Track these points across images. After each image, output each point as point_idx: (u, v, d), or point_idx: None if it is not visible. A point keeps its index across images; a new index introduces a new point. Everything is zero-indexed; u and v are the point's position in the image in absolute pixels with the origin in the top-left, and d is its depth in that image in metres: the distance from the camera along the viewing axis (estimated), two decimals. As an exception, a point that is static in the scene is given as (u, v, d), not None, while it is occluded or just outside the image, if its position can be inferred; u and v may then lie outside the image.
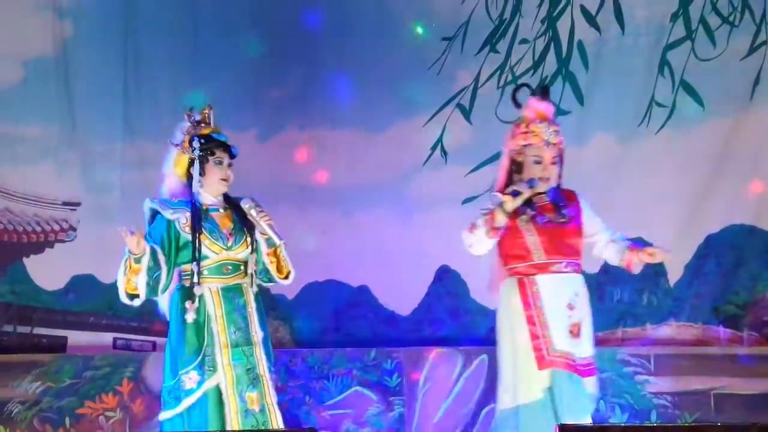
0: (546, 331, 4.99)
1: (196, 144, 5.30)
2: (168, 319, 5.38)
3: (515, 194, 4.99)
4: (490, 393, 6.74)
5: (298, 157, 7.18)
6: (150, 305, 6.93)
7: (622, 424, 6.20)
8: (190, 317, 5.20)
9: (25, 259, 7.19)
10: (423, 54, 7.20)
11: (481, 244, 5.09)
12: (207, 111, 5.41)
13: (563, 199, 5.17)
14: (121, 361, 6.93)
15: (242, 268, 5.32)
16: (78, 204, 7.21)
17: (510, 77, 7.21)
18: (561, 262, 5.06)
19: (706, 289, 7.12)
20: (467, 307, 7.07)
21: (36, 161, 7.20)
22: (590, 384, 5.22)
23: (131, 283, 5.24)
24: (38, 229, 7.20)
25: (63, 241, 7.20)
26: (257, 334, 5.30)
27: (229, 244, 5.28)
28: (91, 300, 7.15)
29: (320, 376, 6.87)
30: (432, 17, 7.22)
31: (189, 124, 5.38)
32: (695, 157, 7.16)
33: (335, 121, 7.18)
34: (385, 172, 7.17)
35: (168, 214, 5.28)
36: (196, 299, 5.21)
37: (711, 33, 7.14)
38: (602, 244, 5.23)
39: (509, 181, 5.19)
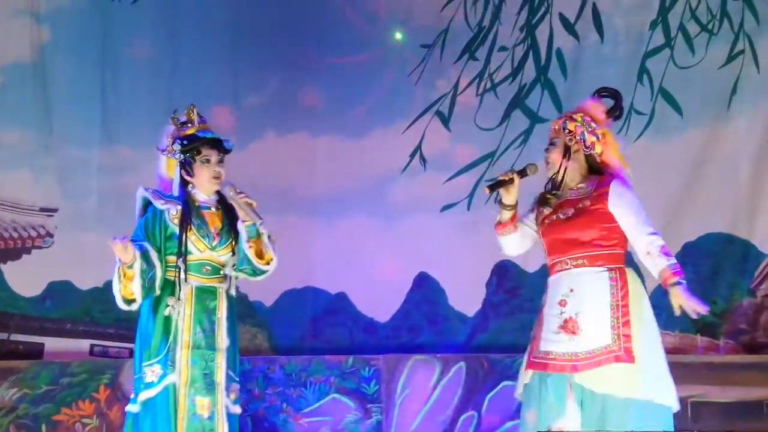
0: (539, 333, 4.91)
1: (177, 147, 5.27)
2: None
3: (495, 185, 4.94)
4: (467, 400, 6.82)
5: (277, 164, 7.21)
6: (126, 313, 7.04)
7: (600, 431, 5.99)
8: (168, 311, 5.19)
9: (2, 266, 7.24)
10: (402, 61, 7.26)
11: (502, 243, 5.09)
12: (192, 110, 5.36)
13: (590, 188, 4.91)
14: (98, 368, 6.94)
15: (221, 272, 5.30)
16: (55, 210, 7.26)
17: (489, 84, 7.27)
18: (564, 260, 4.91)
19: None
20: (445, 314, 7.11)
21: (13, 167, 7.26)
22: (592, 380, 4.74)
23: (128, 289, 5.16)
24: (15, 235, 7.24)
25: (40, 248, 7.25)
26: (223, 340, 5.23)
27: (214, 244, 5.25)
28: (68, 306, 7.20)
29: (298, 383, 6.86)
30: (411, 24, 7.27)
31: (174, 126, 5.35)
32: (673, 165, 7.16)
33: (314, 127, 7.23)
34: (364, 178, 7.22)
35: (159, 204, 5.25)
36: (181, 296, 5.17)
37: (690, 41, 7.17)
38: (638, 249, 4.89)
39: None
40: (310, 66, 7.25)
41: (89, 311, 7.18)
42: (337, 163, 7.20)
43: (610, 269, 4.83)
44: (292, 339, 7.09)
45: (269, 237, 5.28)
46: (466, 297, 7.11)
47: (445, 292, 7.11)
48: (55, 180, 7.26)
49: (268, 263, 5.29)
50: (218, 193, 5.32)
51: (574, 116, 5.01)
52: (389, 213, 7.20)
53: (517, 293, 7.19)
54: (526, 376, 4.88)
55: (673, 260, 4.82)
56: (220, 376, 5.19)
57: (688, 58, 7.18)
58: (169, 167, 5.36)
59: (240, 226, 5.23)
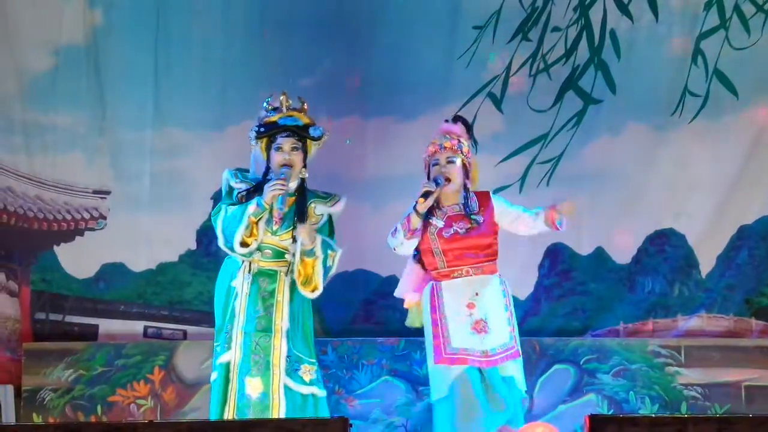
0: (445, 331, 5.74)
1: (252, 133, 5.67)
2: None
3: (426, 195, 5.71)
4: (518, 382, 7.14)
5: (328, 147, 7.23)
6: (179, 295, 7.38)
7: (652, 415, 6.26)
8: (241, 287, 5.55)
9: (55, 248, 7.46)
10: (454, 43, 7.40)
11: (403, 246, 5.83)
12: (284, 96, 5.73)
13: (476, 206, 5.89)
14: (153, 350, 7.20)
15: (285, 255, 5.63)
16: (108, 192, 7.47)
17: (542, 65, 7.42)
18: (462, 269, 5.78)
19: (738, 281, 7.35)
20: None
21: (66, 149, 7.46)
22: (507, 369, 5.74)
23: (255, 230, 5.49)
24: (68, 217, 7.45)
25: (93, 230, 7.45)
26: (282, 322, 5.55)
27: (275, 229, 5.58)
28: (121, 288, 7.44)
29: (350, 365, 7.11)
30: (464, 5, 7.42)
31: (264, 112, 5.70)
32: (729, 147, 7.37)
33: (365, 110, 7.41)
34: (416, 162, 7.11)
35: (233, 182, 5.66)
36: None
37: (745, 21, 7.34)
38: (523, 221, 5.89)
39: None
40: (362, 49, 7.39)
41: (142, 293, 7.43)
42: (387, 146, 7.38)
43: (500, 277, 5.87)
44: (344, 322, 7.30)
45: (329, 265, 5.61)
46: (518, 280, 7.27)
47: None
48: (108, 162, 7.45)
49: (312, 291, 5.64)
50: (301, 179, 5.65)
51: (461, 140, 5.92)
52: (440, 196, 7.43)
53: (569, 276, 7.43)
54: (443, 377, 5.67)
55: None
56: (277, 357, 5.51)
57: (743, 39, 7.34)
58: (262, 150, 5.73)
59: (297, 242, 5.55)
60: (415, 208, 5.75)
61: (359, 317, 7.42)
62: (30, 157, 7.51)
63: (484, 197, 5.95)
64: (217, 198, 6.20)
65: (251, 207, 5.49)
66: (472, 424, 5.62)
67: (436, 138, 5.98)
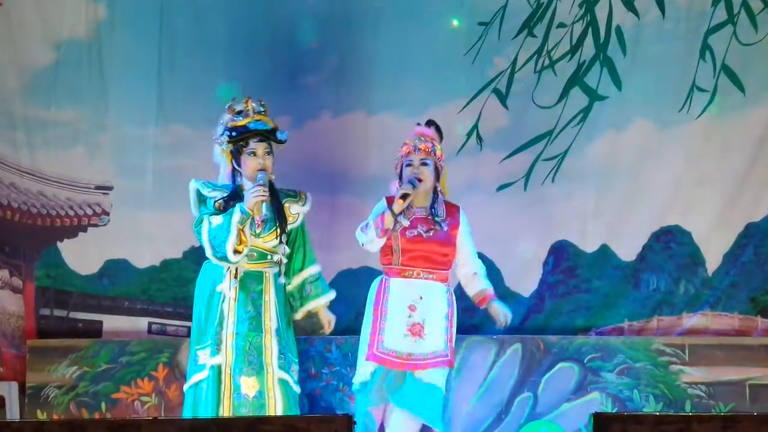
0: (382, 328, 5.95)
1: (224, 138, 5.75)
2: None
3: (404, 197, 5.88)
4: (523, 381, 7.17)
5: (333, 144, 7.47)
6: (183, 291, 7.40)
7: (657, 414, 6.41)
8: (220, 288, 5.69)
9: (59, 244, 7.52)
10: (459, 39, 7.45)
11: (373, 243, 5.99)
12: (248, 100, 5.80)
13: (443, 212, 6.05)
14: (157, 347, 7.28)
15: (269, 256, 5.76)
16: (110, 188, 7.53)
17: (547, 61, 7.47)
18: (414, 270, 5.96)
19: (744, 279, 7.39)
20: (501, 294, 7.22)
21: (69, 145, 7.53)
22: (429, 376, 5.92)
23: (243, 237, 5.61)
24: (71, 213, 7.51)
25: (96, 226, 7.52)
26: (271, 322, 5.70)
27: (258, 231, 5.69)
28: (125, 284, 7.51)
29: (354, 363, 6.81)
30: (469, 1, 7.47)
31: (228, 116, 5.78)
32: (736, 143, 7.40)
33: (370, 107, 7.47)
34: None
35: (206, 191, 5.74)
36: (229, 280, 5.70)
37: (753, 17, 7.38)
38: (466, 270, 6.12)
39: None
40: (367, 46, 7.45)
41: (146, 289, 7.49)
42: (391, 142, 7.15)
43: (448, 287, 6.05)
44: (348, 319, 7.23)
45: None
46: (522, 277, 7.41)
47: (501, 272, 7.37)
48: (111, 158, 7.50)
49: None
50: (271, 181, 5.74)
51: (435, 143, 6.07)
52: (445, 192, 7.51)
53: (573, 273, 7.48)
54: (368, 366, 5.91)
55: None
56: (269, 356, 5.65)
57: (751, 35, 7.38)
58: (226, 154, 5.80)
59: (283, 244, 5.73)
60: (391, 208, 5.91)
61: (363, 314, 7.36)
62: (32, 153, 7.56)
63: (453, 208, 6.13)
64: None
65: (236, 216, 5.60)
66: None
67: (410, 139, 6.12)
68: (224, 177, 5.84)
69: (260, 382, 5.64)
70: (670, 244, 7.45)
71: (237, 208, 5.60)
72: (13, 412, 7.14)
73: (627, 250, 7.47)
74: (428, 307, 5.97)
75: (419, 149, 6.06)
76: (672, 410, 7.05)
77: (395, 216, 5.91)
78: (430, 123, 6.21)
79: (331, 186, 7.45)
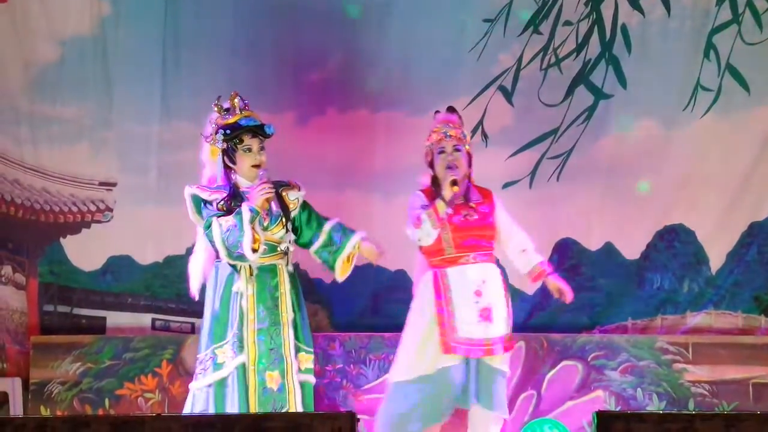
0: (452, 319, 5.91)
1: (219, 136, 5.77)
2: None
3: (454, 182, 5.92)
4: (527, 379, 7.23)
5: (337, 141, 7.48)
6: (186, 287, 7.12)
7: (660, 412, 6.50)
8: (245, 288, 5.74)
9: (62, 240, 7.53)
10: (464, 36, 7.49)
11: (430, 236, 5.99)
12: (234, 97, 5.83)
13: (477, 196, 6.08)
14: (160, 343, 7.30)
15: (278, 248, 5.80)
16: (114, 184, 7.54)
17: (553, 59, 7.51)
18: (469, 255, 5.97)
19: (747, 278, 7.43)
20: None
21: (73, 141, 7.53)
22: (497, 361, 5.94)
23: (257, 235, 5.65)
24: (75, 209, 7.53)
25: (100, 222, 7.53)
26: (287, 314, 5.75)
27: (265, 224, 5.75)
28: (128, 281, 7.53)
29: (358, 360, 7.21)
30: None
31: (217, 114, 5.81)
32: (740, 143, 7.45)
33: (375, 104, 7.50)
34: (424, 155, 7.50)
35: (205, 195, 5.80)
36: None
37: (758, 16, 7.44)
38: (512, 247, 6.14)
39: (433, 181, 6.14)
40: (371, 43, 7.48)
41: (150, 286, 7.51)
42: (396, 139, 7.43)
43: (498, 266, 6.05)
44: (352, 316, 7.41)
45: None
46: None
47: (504, 269, 7.28)
48: (115, 155, 7.51)
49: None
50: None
51: (463, 129, 6.09)
52: (450, 190, 7.53)
53: (578, 271, 7.51)
54: (443, 359, 5.84)
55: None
56: (288, 349, 5.71)
57: (755, 35, 7.44)
58: (212, 153, 5.84)
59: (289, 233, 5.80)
60: (441, 196, 5.91)
61: (367, 312, 7.51)
62: (36, 149, 7.58)
63: (485, 191, 6.16)
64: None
65: (246, 215, 5.64)
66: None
67: (438, 126, 6.12)
68: (215, 176, 5.88)
69: (282, 374, 5.70)
70: (674, 243, 7.49)
71: (245, 207, 5.64)
72: (16, 408, 7.17)
73: (631, 249, 7.51)
74: (492, 290, 5.98)
75: (450, 136, 6.06)
76: (675, 409, 7.09)
77: (447, 203, 5.92)
78: (451, 109, 6.20)
79: (337, 182, 7.46)
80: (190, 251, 7.25)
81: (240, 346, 5.70)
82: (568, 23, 7.55)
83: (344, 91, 7.49)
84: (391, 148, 7.52)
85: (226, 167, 5.82)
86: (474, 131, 7.51)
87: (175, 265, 7.48)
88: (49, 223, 7.58)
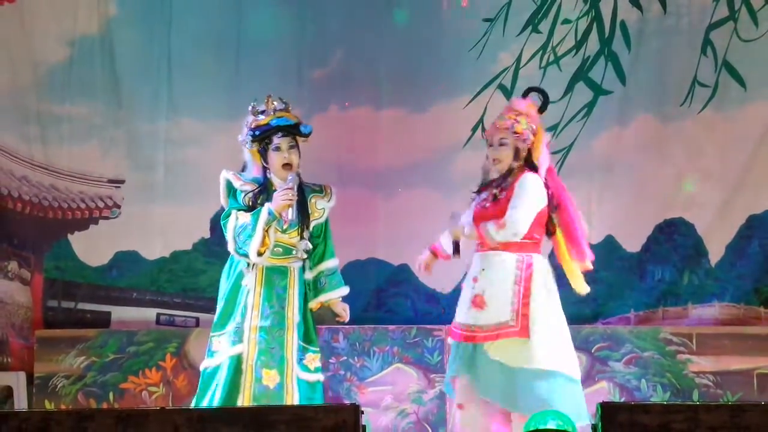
0: (457, 306, 5.51)
1: (248, 138, 5.50)
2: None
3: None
4: (530, 371, 6.85)
5: (340, 137, 7.19)
6: (192, 282, 7.21)
7: (664, 403, 6.30)
8: (245, 282, 5.44)
9: (69, 236, 7.27)
10: (464, 35, 7.22)
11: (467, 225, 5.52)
12: (269, 99, 5.52)
13: (509, 185, 5.42)
14: (165, 337, 7.03)
15: (293, 251, 5.49)
16: (122, 181, 7.29)
17: (552, 57, 7.24)
18: (479, 243, 5.48)
19: (747, 270, 7.15)
20: None
21: (82, 140, 7.29)
22: (496, 351, 5.32)
23: (267, 239, 5.35)
24: (83, 206, 7.28)
25: (107, 218, 7.28)
26: (294, 317, 5.45)
27: (284, 228, 5.43)
28: (134, 276, 7.27)
29: (361, 353, 6.93)
30: None
31: (251, 117, 5.50)
32: (738, 137, 7.19)
33: (377, 101, 7.23)
34: (426, 152, 7.19)
35: (237, 184, 5.51)
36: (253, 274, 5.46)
37: (754, 13, 7.16)
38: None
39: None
40: (374, 40, 7.22)
41: (155, 281, 7.25)
42: (399, 136, 7.20)
43: (519, 254, 5.37)
44: (356, 309, 6.82)
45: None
46: None
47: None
48: (123, 152, 7.29)
49: None
50: (299, 176, 5.50)
51: (518, 119, 5.41)
52: (450, 187, 7.09)
53: None
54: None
55: None
56: (290, 351, 5.41)
57: (751, 31, 7.16)
58: (254, 155, 5.55)
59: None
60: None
61: (371, 305, 7.21)
62: (45, 147, 7.31)
63: (519, 175, 5.43)
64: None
65: (263, 217, 5.35)
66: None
67: (501, 115, 5.52)
68: (256, 173, 5.58)
69: (281, 374, 5.39)
70: (674, 236, 7.23)
71: (265, 209, 5.36)
72: (21, 402, 6.89)
73: (632, 242, 7.23)
74: (490, 278, 5.37)
75: (497, 128, 5.47)
76: (679, 399, 6.82)
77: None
78: (529, 91, 5.56)
79: (340, 178, 7.06)
80: (196, 246, 7.28)
81: (238, 339, 5.41)
82: (567, 21, 7.26)
83: (347, 88, 7.24)
84: (393, 144, 7.25)
85: (263, 167, 5.54)
86: (474, 129, 7.24)
87: (182, 260, 7.29)
88: (56, 220, 7.30)
